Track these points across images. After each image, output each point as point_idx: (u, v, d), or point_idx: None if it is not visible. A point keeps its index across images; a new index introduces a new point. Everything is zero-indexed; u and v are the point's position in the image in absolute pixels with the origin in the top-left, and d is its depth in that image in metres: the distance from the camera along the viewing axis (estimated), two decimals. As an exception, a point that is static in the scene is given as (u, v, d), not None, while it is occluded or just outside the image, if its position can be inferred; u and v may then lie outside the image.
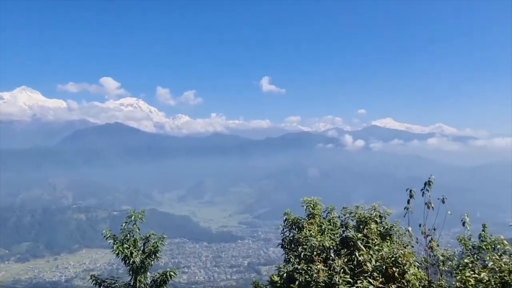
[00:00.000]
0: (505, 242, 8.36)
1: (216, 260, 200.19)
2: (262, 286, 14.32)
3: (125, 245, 13.36)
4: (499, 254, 8.63)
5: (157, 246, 13.82)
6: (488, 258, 8.82)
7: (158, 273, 13.49)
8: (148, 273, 13.61)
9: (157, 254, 13.75)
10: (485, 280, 8.10)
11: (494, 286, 7.55)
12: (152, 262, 13.65)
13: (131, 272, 13.36)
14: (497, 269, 7.36)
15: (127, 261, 13.20)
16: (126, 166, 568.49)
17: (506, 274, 7.09)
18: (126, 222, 13.96)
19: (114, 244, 13.40)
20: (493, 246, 11.50)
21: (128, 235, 13.73)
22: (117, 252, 13.11)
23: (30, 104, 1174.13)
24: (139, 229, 13.92)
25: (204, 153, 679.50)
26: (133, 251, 13.26)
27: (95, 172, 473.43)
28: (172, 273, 13.51)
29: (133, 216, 13.92)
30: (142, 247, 13.95)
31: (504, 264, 7.22)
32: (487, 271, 8.23)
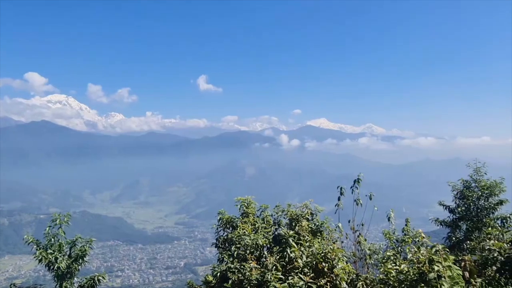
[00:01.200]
0: (423, 235, 9.00)
1: (152, 262, 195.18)
2: (196, 286, 14.23)
3: (49, 251, 12.66)
4: (417, 246, 9.25)
5: (85, 250, 13.21)
6: (408, 250, 9.41)
7: (86, 278, 12.90)
8: (75, 278, 13.00)
9: (85, 258, 13.15)
10: (404, 271, 8.63)
11: (413, 276, 8.07)
12: (79, 266, 13.03)
13: (56, 279, 12.69)
14: (415, 260, 7.87)
15: (51, 267, 12.54)
16: (55, 167, 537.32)
17: (423, 265, 7.61)
18: (50, 226, 13.24)
19: (37, 249, 12.66)
20: (413, 240, 12.32)
21: (53, 239, 13.03)
22: (39, 258, 12.38)
23: None
24: (64, 233, 13.26)
25: (139, 153, 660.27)
26: (58, 256, 12.57)
27: (19, 174, 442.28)
28: (100, 278, 12.94)
29: (58, 220, 13.23)
30: (68, 252, 13.31)
31: (421, 256, 7.75)
32: (406, 263, 8.79)
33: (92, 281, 12.76)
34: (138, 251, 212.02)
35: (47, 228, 13.20)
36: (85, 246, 13.38)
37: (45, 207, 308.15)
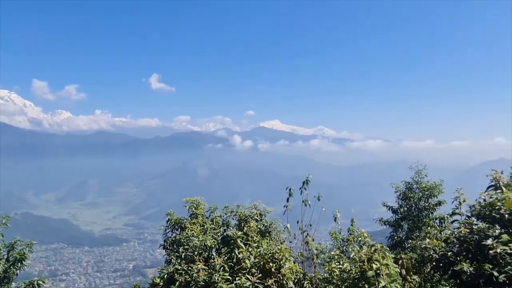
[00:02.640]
0: (365, 234, 9.34)
1: (99, 265, 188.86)
2: (143, 289, 13.97)
3: (-15, 255, 12.02)
4: (360, 245, 9.59)
5: (24, 253, 12.61)
6: (350, 249, 9.74)
7: (24, 283, 12.31)
8: (13, 283, 12.38)
9: (24, 262, 12.55)
10: (347, 270, 8.94)
11: (355, 274, 8.37)
12: (18, 271, 12.43)
13: (-9, 284, 12.06)
14: (357, 259, 8.16)
15: (-14, 272, 11.89)
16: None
17: (363, 263, 7.91)
18: (-14, 229, 12.56)
19: (-29, 254, 11.97)
20: (357, 239, 12.75)
21: (-11, 243, 12.37)
22: (-27, 262, 11.74)
23: None
24: (2, 236, 12.60)
25: (87, 152, 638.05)
26: (-5, 260, 11.97)
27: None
28: (40, 282, 12.38)
29: (-5, 222, 12.57)
30: (6, 255, 12.64)
31: (363, 255, 8.05)
32: (349, 262, 9.10)
33: (31, 285, 12.19)
34: (85, 253, 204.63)
35: (-17, 231, 12.52)
36: (24, 249, 12.79)
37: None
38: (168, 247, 12.70)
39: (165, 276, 10.87)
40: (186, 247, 11.16)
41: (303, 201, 13.94)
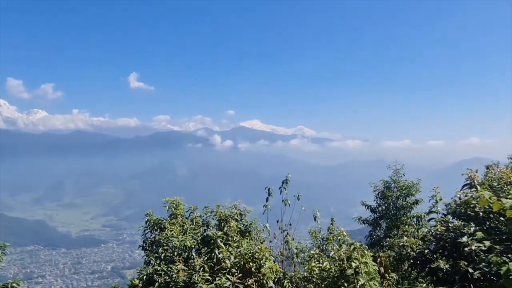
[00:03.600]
0: (345, 233, 9.43)
1: (76, 267, 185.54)
2: (122, 290, 13.80)
3: (-44, 258, 11.61)
4: (339, 244, 9.68)
5: (-3, 255, 12.24)
6: (330, 248, 9.83)
7: (-2, 286, 11.97)
8: (-15, 287, 12.00)
9: (-3, 265, 12.18)
10: (327, 268, 9.01)
11: (334, 273, 8.45)
12: (-9, 274, 12.10)
13: (-38, 288, 11.65)
14: (337, 257, 8.24)
15: (-42, 275, 11.51)
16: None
17: (343, 262, 7.98)
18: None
19: None
20: (336, 238, 12.87)
21: (-40, 245, 11.94)
22: None
23: None
24: (-27, 238, 12.18)
25: (64, 152, 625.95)
26: (-34, 264, 11.59)
27: None
28: (14, 285, 12.04)
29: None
30: (-22, 258, 12.24)
31: (343, 253, 8.13)
32: (329, 260, 9.17)
33: (4, 288, 11.86)
34: (61, 255, 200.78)
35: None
36: (-3, 252, 12.40)
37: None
38: (147, 248, 12.57)
39: (144, 277, 10.76)
40: (165, 247, 11.09)
41: (282, 201, 13.99)
